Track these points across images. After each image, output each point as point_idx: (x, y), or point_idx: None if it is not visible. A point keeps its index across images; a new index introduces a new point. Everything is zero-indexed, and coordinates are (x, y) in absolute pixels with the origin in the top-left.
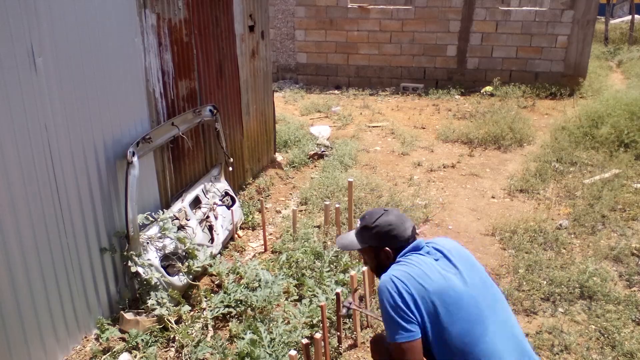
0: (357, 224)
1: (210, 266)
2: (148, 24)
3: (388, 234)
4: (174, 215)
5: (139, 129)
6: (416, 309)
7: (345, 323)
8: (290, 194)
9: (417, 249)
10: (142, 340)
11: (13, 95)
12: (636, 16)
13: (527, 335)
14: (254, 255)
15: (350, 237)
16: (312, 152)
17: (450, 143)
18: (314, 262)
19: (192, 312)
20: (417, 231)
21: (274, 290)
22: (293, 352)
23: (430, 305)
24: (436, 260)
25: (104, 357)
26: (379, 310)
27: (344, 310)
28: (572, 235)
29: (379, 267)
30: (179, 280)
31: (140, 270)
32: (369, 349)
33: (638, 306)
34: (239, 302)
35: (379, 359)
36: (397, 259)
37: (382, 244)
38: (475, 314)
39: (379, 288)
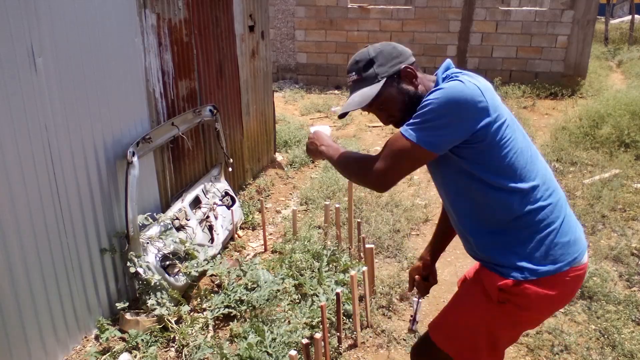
0: (351, 78)
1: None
2: (148, 24)
3: (395, 52)
4: (174, 215)
5: (139, 129)
6: (479, 123)
7: (345, 323)
8: (291, 194)
9: (449, 69)
10: (142, 340)
11: (13, 95)
12: (636, 16)
13: (527, 335)
14: (254, 255)
15: (353, 97)
16: None
17: None
18: (314, 262)
19: (192, 312)
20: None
21: (274, 290)
22: (293, 352)
23: (499, 115)
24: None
25: (104, 357)
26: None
27: (413, 325)
28: None
29: (408, 101)
30: (179, 280)
31: (140, 270)
32: (369, 349)
33: (638, 306)
34: (239, 302)
35: (340, 164)
36: (436, 85)
37: (398, 63)
38: (522, 133)
39: (445, 90)
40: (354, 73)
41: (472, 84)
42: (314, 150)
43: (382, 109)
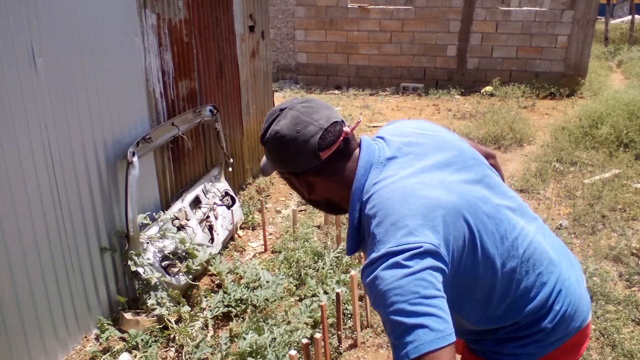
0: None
1: (210, 263)
2: (148, 24)
3: (281, 154)
4: (174, 215)
5: (139, 129)
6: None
7: (345, 323)
8: (290, 194)
9: (372, 162)
10: (142, 340)
11: (13, 95)
12: (636, 16)
13: None
14: (254, 255)
15: (263, 161)
16: None
17: None
18: (315, 262)
19: (192, 312)
20: (347, 130)
21: (274, 290)
22: (293, 352)
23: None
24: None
25: (104, 357)
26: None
27: None
28: (572, 235)
29: (304, 199)
30: (179, 280)
31: (140, 270)
32: (369, 349)
33: (638, 306)
34: (239, 302)
35: None
36: (360, 188)
37: (281, 168)
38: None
39: (370, 278)
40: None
41: (414, 249)
42: None
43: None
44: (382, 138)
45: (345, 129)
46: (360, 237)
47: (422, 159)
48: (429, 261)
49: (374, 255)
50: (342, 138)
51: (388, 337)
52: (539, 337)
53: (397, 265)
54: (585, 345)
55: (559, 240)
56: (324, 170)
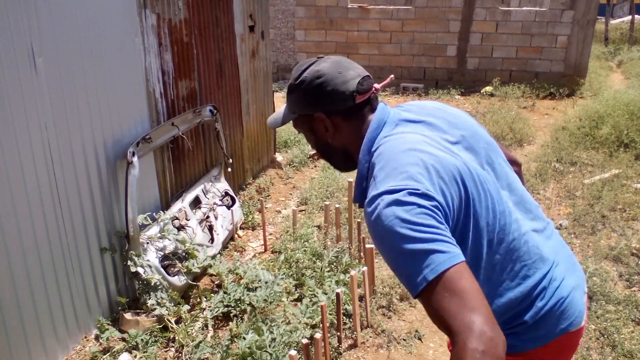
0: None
1: (210, 266)
2: (148, 24)
3: (319, 89)
4: (174, 215)
5: (139, 129)
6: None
7: (345, 323)
8: (290, 194)
9: (387, 119)
10: (142, 340)
11: (13, 95)
12: (636, 16)
13: None
14: (254, 255)
15: (281, 109)
16: (313, 152)
17: None
18: (315, 262)
19: (192, 312)
20: (377, 86)
21: (274, 290)
22: (293, 352)
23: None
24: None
25: (104, 357)
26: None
27: None
28: (572, 235)
29: (322, 146)
30: (179, 280)
31: (140, 270)
32: (369, 349)
33: (638, 306)
34: (238, 302)
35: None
36: (370, 143)
37: (314, 107)
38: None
39: (375, 216)
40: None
41: (413, 192)
42: None
43: (303, 133)
44: (400, 107)
45: (375, 85)
46: (367, 187)
47: (434, 130)
48: (427, 202)
49: (373, 192)
50: (373, 89)
51: (399, 279)
52: (518, 329)
53: (397, 202)
54: (572, 354)
55: (568, 248)
56: (352, 115)
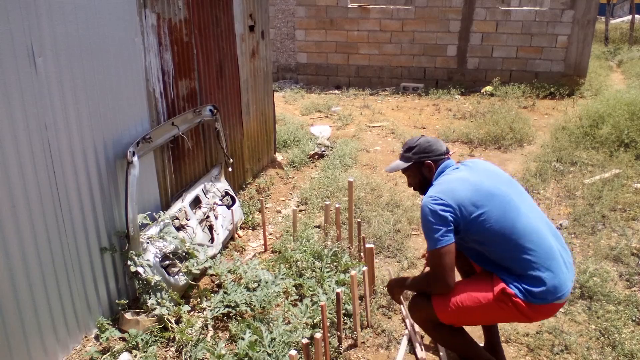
0: (401, 151)
1: (210, 267)
2: (148, 24)
3: (428, 149)
4: (174, 215)
5: (139, 129)
6: (453, 219)
7: (345, 323)
8: (290, 193)
9: (448, 167)
10: (142, 340)
11: (13, 95)
12: (636, 16)
13: (527, 335)
14: (254, 255)
15: (395, 162)
16: (312, 152)
17: (450, 143)
18: (314, 262)
19: (192, 312)
20: (450, 152)
21: (274, 290)
22: (293, 352)
23: (466, 208)
24: (467, 171)
25: (104, 357)
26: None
27: None
28: (572, 235)
29: (423, 182)
30: (179, 280)
31: (140, 270)
32: (369, 349)
33: (638, 306)
34: (238, 302)
35: (416, 289)
36: (435, 179)
37: (424, 158)
38: (505, 201)
39: (421, 207)
40: (402, 148)
41: (438, 201)
42: (397, 292)
43: (408, 176)
44: (461, 162)
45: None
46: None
47: (472, 174)
48: (443, 207)
49: (426, 194)
50: (448, 154)
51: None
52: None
53: (431, 201)
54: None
55: (568, 251)
56: (437, 164)
